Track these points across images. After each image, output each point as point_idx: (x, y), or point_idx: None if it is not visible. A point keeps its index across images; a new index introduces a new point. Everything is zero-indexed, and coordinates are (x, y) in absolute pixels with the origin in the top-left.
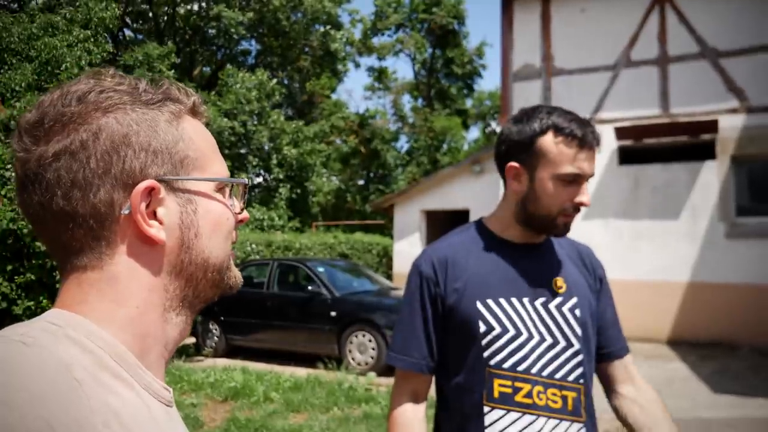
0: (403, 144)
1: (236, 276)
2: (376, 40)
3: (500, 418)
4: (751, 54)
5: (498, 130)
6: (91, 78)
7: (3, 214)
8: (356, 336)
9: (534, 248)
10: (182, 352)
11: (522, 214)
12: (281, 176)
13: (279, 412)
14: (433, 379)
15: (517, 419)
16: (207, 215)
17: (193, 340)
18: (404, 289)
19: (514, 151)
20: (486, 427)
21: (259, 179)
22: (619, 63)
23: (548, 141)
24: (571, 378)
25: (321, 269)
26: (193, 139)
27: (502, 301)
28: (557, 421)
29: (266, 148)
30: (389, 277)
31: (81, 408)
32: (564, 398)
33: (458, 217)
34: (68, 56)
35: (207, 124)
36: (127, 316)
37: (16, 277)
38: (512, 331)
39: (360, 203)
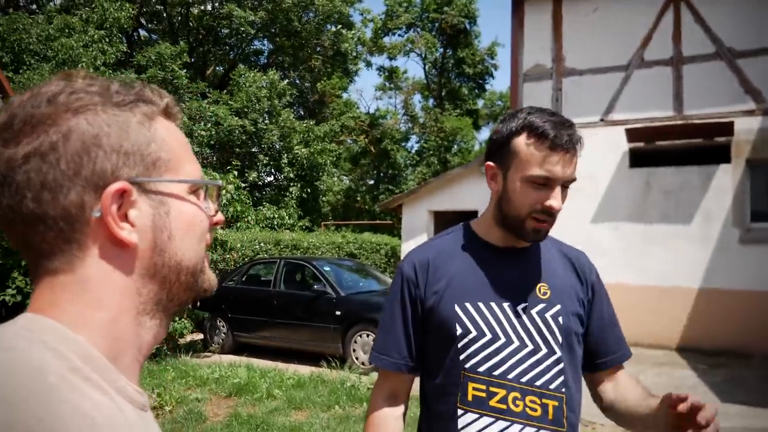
0: (413, 144)
1: (210, 279)
2: (386, 40)
3: (473, 421)
4: (767, 55)
5: None
6: (62, 79)
7: None
8: (360, 335)
9: (519, 252)
10: (189, 348)
11: (498, 215)
12: (292, 175)
13: (281, 409)
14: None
15: (490, 424)
16: (180, 217)
17: (201, 336)
18: (390, 289)
19: (493, 150)
20: (459, 430)
21: (270, 178)
22: (631, 63)
23: (521, 141)
24: (552, 386)
25: (327, 268)
26: (166, 140)
27: (480, 305)
28: (535, 429)
29: (277, 147)
30: None
31: (55, 412)
32: (544, 406)
33: (466, 218)
34: (84, 56)
35: (220, 123)
36: (99, 320)
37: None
38: (489, 335)
39: (369, 203)
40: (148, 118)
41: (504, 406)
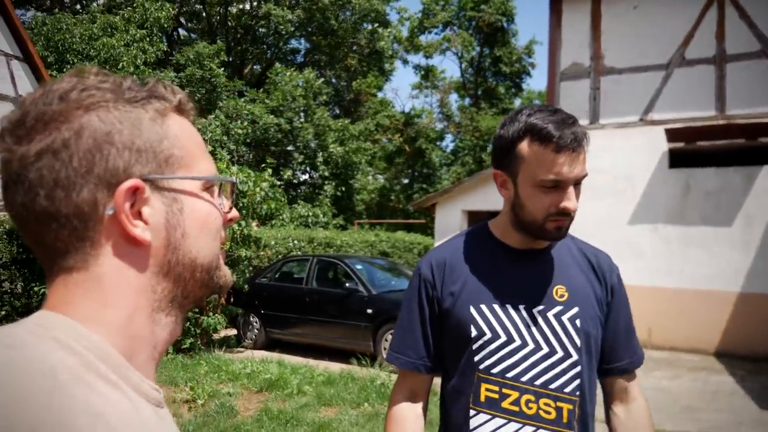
0: (448, 143)
1: (226, 275)
2: (423, 38)
3: (485, 422)
4: None
5: None
6: (74, 76)
7: None
8: (392, 333)
9: (536, 254)
10: (223, 343)
11: (515, 220)
12: (326, 174)
13: (310, 405)
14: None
15: (502, 425)
16: (193, 214)
17: (234, 332)
18: (407, 289)
19: (500, 157)
20: (471, 431)
21: (305, 176)
22: (672, 62)
23: (524, 146)
24: (567, 390)
25: (359, 266)
26: (179, 136)
27: (495, 306)
28: None
29: (312, 145)
30: None
31: (65, 410)
32: (559, 410)
33: None
34: (125, 55)
35: (256, 122)
36: (114, 318)
37: None
38: (503, 338)
39: (404, 202)
40: (161, 115)
41: (516, 408)
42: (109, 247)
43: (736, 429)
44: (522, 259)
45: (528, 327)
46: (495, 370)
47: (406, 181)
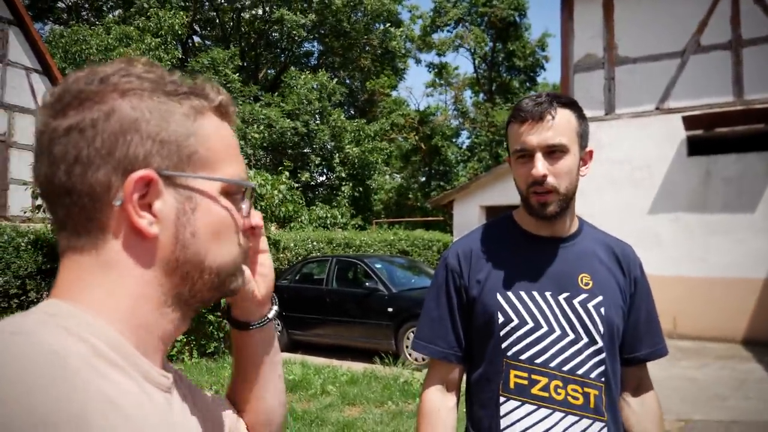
0: (463, 140)
1: (241, 280)
2: (435, 37)
3: (515, 408)
4: None
5: None
6: (122, 62)
7: None
8: (413, 331)
9: (561, 242)
10: None
11: (521, 202)
12: (343, 174)
13: (335, 404)
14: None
15: (532, 411)
16: (206, 216)
17: None
18: (432, 279)
19: (507, 145)
20: (501, 417)
21: (322, 178)
22: (687, 49)
23: (509, 127)
24: (593, 375)
25: (379, 266)
26: (209, 137)
27: (522, 294)
28: (577, 417)
29: (328, 147)
30: None
31: (77, 398)
32: (586, 395)
33: None
34: None
35: (272, 125)
36: (120, 307)
37: None
38: (531, 324)
39: (421, 200)
40: (196, 112)
41: (546, 394)
42: (119, 234)
43: (766, 415)
44: (547, 247)
45: (554, 313)
46: (523, 357)
47: (423, 179)
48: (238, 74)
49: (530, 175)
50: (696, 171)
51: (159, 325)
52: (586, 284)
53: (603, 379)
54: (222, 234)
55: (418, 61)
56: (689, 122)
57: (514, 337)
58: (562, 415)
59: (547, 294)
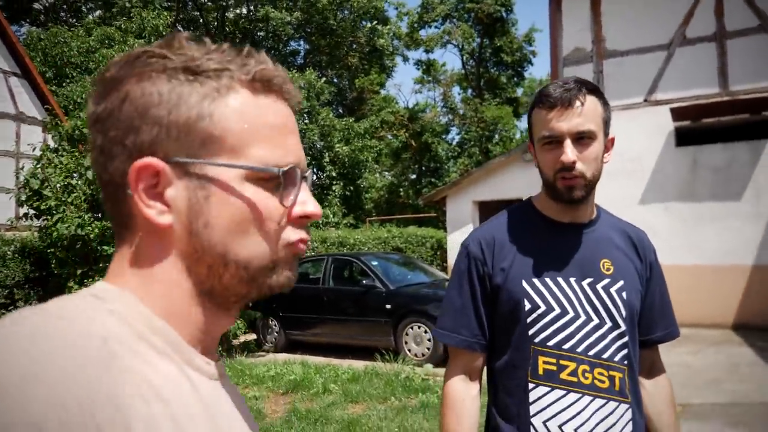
0: (453, 136)
1: (286, 277)
2: (423, 33)
3: (545, 394)
4: None
5: None
6: (163, 41)
7: (71, 220)
8: (412, 328)
9: (581, 228)
10: (244, 349)
11: (544, 187)
12: (334, 174)
13: (338, 402)
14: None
15: (562, 396)
16: (224, 206)
17: (254, 336)
18: (453, 268)
19: (529, 131)
20: (531, 404)
21: (313, 178)
22: (673, 41)
23: (534, 113)
24: (617, 358)
25: (375, 263)
26: (229, 117)
27: (548, 280)
28: (604, 401)
29: (318, 146)
30: (444, 269)
31: (116, 382)
32: (612, 378)
33: None
34: None
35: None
36: (155, 293)
37: (85, 280)
38: (557, 310)
39: (413, 197)
40: (220, 91)
41: (575, 379)
42: (141, 224)
43: (763, 397)
44: (568, 233)
45: (579, 299)
46: (551, 343)
47: (413, 176)
48: None
49: (559, 161)
50: (684, 161)
51: (196, 315)
52: (608, 269)
53: (626, 362)
54: (246, 224)
55: (405, 59)
56: (677, 113)
57: (542, 323)
58: (591, 398)
59: (572, 280)
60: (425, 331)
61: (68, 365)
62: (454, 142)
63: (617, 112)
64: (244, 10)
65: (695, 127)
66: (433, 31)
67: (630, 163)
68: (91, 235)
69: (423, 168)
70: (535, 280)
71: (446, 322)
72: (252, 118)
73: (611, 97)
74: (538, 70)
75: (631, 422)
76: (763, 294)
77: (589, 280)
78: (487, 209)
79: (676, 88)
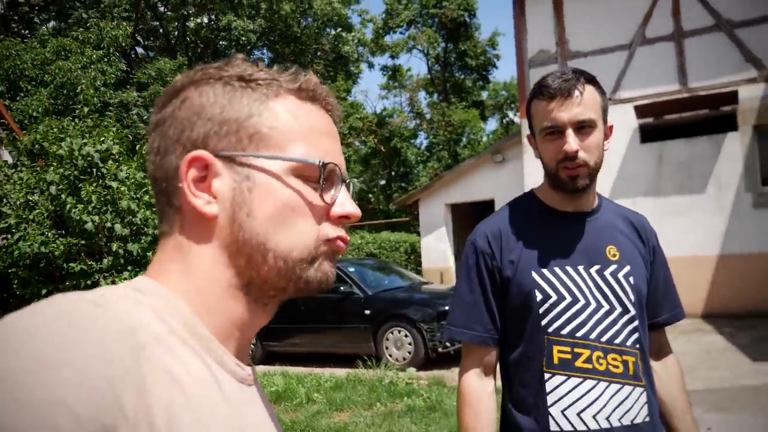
0: (422, 140)
1: (321, 274)
2: (388, 39)
3: (561, 383)
4: (766, 23)
5: (515, 120)
6: (222, 62)
7: (33, 237)
8: (392, 332)
9: (585, 216)
10: None
11: (546, 178)
12: None
13: (322, 411)
14: None
15: (579, 384)
16: (267, 197)
17: None
18: (461, 265)
19: (528, 123)
20: (548, 394)
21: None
22: (634, 41)
23: (533, 104)
24: (629, 343)
25: (352, 269)
26: (277, 116)
27: (557, 269)
28: (620, 385)
29: None
30: (419, 272)
31: (141, 370)
32: (625, 363)
33: (483, 208)
34: (83, 78)
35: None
36: (192, 287)
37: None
38: (569, 298)
39: (383, 202)
40: (269, 95)
41: (590, 366)
42: (187, 215)
43: (738, 381)
44: (573, 222)
45: (588, 286)
46: (564, 331)
47: (383, 181)
48: None
49: (561, 151)
50: (649, 157)
51: (232, 310)
52: (614, 256)
53: (638, 346)
54: (286, 217)
55: (371, 65)
56: (640, 111)
57: (554, 312)
58: (606, 384)
59: (580, 268)
60: (405, 335)
61: (96, 349)
62: (423, 147)
63: None
64: (206, 19)
65: (658, 124)
66: (398, 37)
67: None
68: (56, 252)
69: (393, 173)
70: (545, 270)
71: (458, 318)
72: (297, 119)
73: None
74: (502, 73)
75: (646, 404)
76: (729, 283)
77: (596, 267)
78: (459, 211)
79: (639, 87)
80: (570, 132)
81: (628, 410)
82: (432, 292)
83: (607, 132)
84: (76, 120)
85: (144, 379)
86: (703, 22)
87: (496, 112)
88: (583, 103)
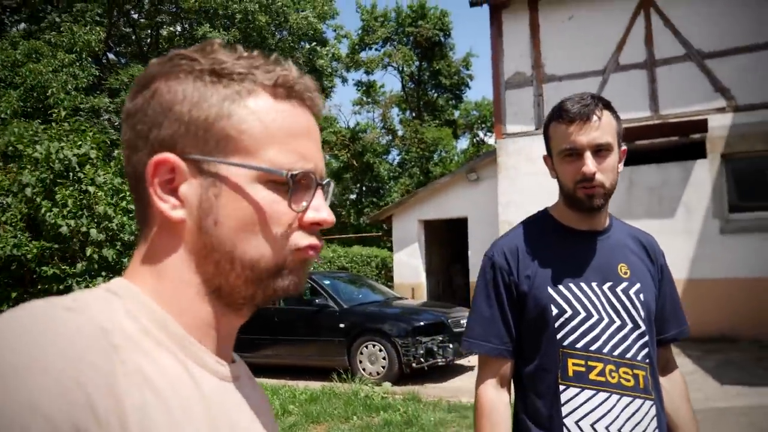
0: (394, 156)
1: (292, 281)
2: (364, 55)
3: (575, 395)
4: (735, 54)
5: (486, 139)
6: (198, 46)
7: (5, 240)
8: (366, 347)
9: (598, 235)
10: None
11: (563, 197)
12: None
13: (299, 424)
14: None
15: (592, 396)
16: (233, 205)
17: None
18: (478, 279)
19: (546, 144)
20: (562, 405)
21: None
22: (608, 68)
23: (552, 126)
24: (639, 357)
25: (327, 282)
26: (247, 119)
27: (571, 285)
28: (630, 398)
29: None
30: (390, 287)
31: (115, 372)
32: (636, 377)
33: (456, 226)
34: (54, 81)
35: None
36: (165, 289)
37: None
38: (583, 313)
39: (354, 216)
40: (242, 94)
41: (603, 378)
42: (157, 217)
43: (708, 403)
44: (586, 240)
45: (601, 302)
46: (579, 345)
47: (354, 196)
48: None
49: (579, 172)
50: (621, 181)
51: (206, 312)
52: (625, 273)
53: (647, 361)
54: (254, 225)
55: (344, 80)
56: None
57: (569, 327)
58: (618, 396)
59: (593, 284)
60: (380, 350)
61: (68, 353)
62: (395, 163)
63: None
64: (179, 28)
65: (630, 149)
66: (373, 53)
67: None
68: (29, 256)
69: (364, 188)
70: (560, 286)
71: (476, 331)
72: (269, 122)
73: None
74: (475, 93)
75: (655, 418)
76: (696, 307)
77: (609, 283)
78: (432, 228)
79: None
80: (588, 155)
81: (638, 423)
82: (406, 307)
83: (621, 155)
84: (53, 123)
85: (117, 380)
86: (675, 52)
87: (467, 131)
88: (601, 128)
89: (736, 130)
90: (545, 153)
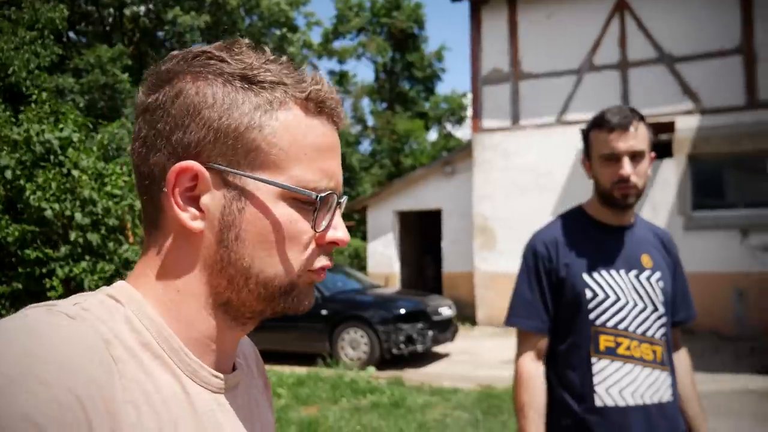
0: (366, 147)
1: (300, 301)
2: (337, 44)
3: (606, 366)
4: (704, 59)
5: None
6: (225, 44)
7: None
8: (348, 332)
9: (625, 230)
10: None
11: (599, 196)
12: None
13: (290, 405)
14: None
15: (620, 367)
16: (257, 221)
17: None
18: (520, 266)
19: (585, 149)
20: (593, 375)
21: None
22: (583, 67)
23: (593, 133)
24: (657, 335)
25: None
26: (278, 133)
27: (603, 272)
28: (650, 370)
29: None
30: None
31: (113, 386)
32: (654, 352)
33: (431, 217)
34: (15, 59)
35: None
36: (170, 299)
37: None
38: (613, 297)
39: None
40: (273, 104)
41: (629, 353)
42: (171, 225)
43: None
44: (615, 234)
45: (628, 287)
46: (609, 324)
47: None
48: (127, 74)
49: (617, 175)
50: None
51: (208, 325)
52: (647, 263)
53: (664, 338)
54: (273, 243)
55: (315, 68)
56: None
57: (601, 308)
58: (641, 368)
59: (621, 272)
60: (362, 336)
61: (68, 364)
62: (367, 153)
63: (531, 131)
64: (143, 8)
65: None
66: (347, 43)
67: (543, 178)
68: (9, 239)
69: None
70: (594, 273)
71: (519, 310)
72: (300, 137)
73: (527, 115)
74: (446, 86)
75: (670, 386)
76: None
77: (634, 272)
78: (407, 219)
79: (585, 110)
80: (626, 159)
81: (657, 390)
82: (385, 295)
83: (651, 160)
84: (33, 104)
85: (114, 395)
86: (647, 54)
87: (435, 123)
88: (638, 137)
89: (702, 132)
90: (583, 157)
